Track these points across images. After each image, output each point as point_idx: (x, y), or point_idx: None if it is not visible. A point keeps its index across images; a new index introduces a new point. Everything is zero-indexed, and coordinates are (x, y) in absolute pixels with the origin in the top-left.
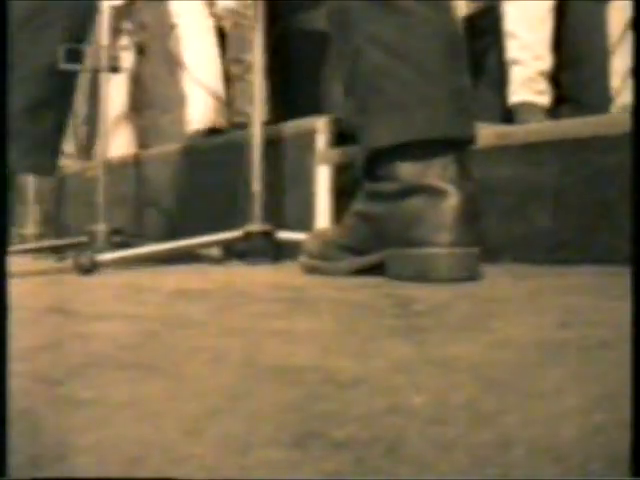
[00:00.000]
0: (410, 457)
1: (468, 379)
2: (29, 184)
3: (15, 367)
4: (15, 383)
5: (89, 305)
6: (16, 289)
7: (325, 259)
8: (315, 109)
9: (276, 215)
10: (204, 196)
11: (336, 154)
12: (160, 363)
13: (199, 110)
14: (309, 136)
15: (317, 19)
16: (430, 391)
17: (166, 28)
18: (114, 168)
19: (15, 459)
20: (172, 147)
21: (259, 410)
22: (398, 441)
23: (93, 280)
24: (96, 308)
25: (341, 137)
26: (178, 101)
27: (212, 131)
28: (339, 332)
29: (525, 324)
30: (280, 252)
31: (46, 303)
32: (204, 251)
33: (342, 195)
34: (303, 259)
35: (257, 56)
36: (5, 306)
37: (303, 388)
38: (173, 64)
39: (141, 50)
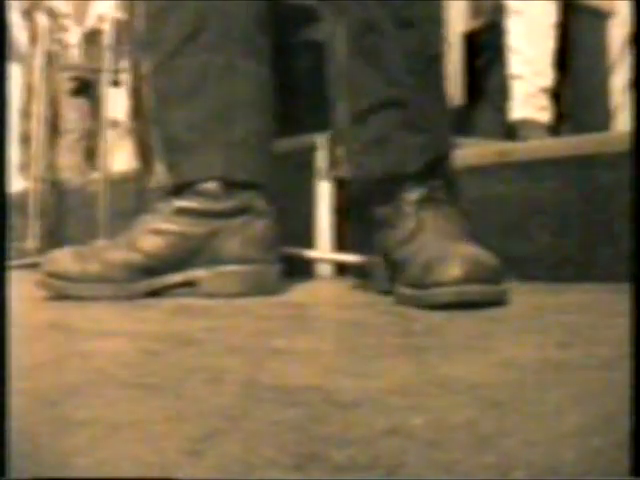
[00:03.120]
0: None
1: (468, 400)
2: (30, 198)
3: (14, 385)
4: (13, 402)
5: (89, 322)
6: (14, 305)
7: (103, 280)
8: (316, 125)
9: None
10: None
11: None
12: (160, 382)
13: None
14: (309, 153)
15: (318, 32)
16: (430, 412)
17: None
18: (115, 183)
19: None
20: None
21: (259, 431)
22: (398, 464)
23: None
24: (96, 325)
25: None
26: None
27: None
28: (339, 351)
29: (525, 343)
30: None
31: (45, 319)
32: None
33: (342, 211)
34: (57, 282)
35: None
36: (5, 319)
37: (303, 409)
38: None
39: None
